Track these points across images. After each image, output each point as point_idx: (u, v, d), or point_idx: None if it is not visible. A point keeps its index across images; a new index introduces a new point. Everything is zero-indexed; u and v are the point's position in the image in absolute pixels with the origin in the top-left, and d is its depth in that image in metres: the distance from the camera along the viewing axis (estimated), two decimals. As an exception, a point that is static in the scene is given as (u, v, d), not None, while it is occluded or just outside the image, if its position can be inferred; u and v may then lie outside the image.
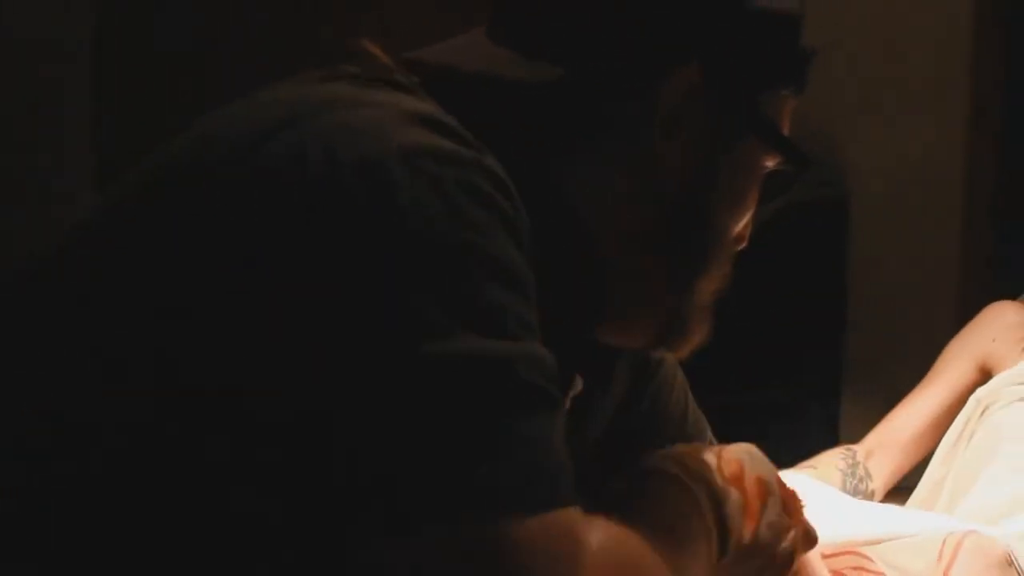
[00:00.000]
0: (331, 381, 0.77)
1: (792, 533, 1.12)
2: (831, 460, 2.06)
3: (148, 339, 0.80)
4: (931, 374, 2.19)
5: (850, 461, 2.07)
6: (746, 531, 1.06)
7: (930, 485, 2.06)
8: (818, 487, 1.76)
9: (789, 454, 1.92)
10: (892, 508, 1.97)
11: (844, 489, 2.02)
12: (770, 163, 1.05)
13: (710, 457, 1.07)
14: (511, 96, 0.97)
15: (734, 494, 1.05)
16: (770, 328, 2.67)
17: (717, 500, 1.04)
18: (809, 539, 1.16)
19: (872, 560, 1.59)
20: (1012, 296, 2.35)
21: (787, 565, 1.13)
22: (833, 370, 2.87)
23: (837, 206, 2.83)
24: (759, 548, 1.08)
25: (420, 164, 0.81)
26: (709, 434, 1.30)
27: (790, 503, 1.13)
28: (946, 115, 2.87)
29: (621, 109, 0.98)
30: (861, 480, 2.05)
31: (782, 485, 1.13)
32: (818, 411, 2.82)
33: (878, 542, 1.60)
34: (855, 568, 1.58)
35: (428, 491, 0.76)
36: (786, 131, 1.06)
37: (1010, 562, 1.57)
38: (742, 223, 1.06)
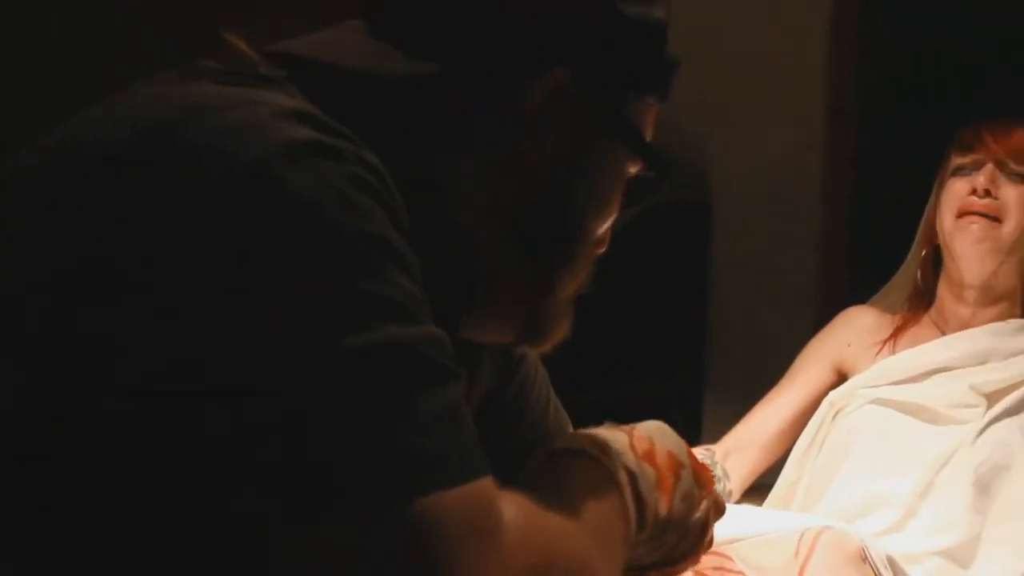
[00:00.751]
0: (250, 379, 0.77)
1: (705, 504, 1.14)
2: None
3: (57, 340, 0.80)
4: (787, 376, 2.23)
5: (708, 461, 2.08)
6: (662, 505, 1.08)
7: (786, 486, 2.11)
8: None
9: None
10: (750, 507, 2.02)
11: None
12: (633, 169, 1.07)
13: (621, 435, 1.09)
14: (382, 91, 0.97)
15: (648, 470, 1.07)
16: (633, 327, 2.71)
17: (633, 476, 1.05)
18: (719, 509, 1.18)
19: (732, 559, 1.61)
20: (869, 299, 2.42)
21: (701, 536, 1.15)
22: (695, 370, 2.91)
23: (700, 208, 2.88)
24: (674, 521, 1.10)
25: (305, 160, 0.81)
26: (571, 429, 1.31)
27: (701, 475, 1.15)
28: (804, 119, 2.93)
29: (491, 108, 0.99)
30: (719, 480, 2.07)
31: (692, 457, 1.15)
32: (680, 410, 2.85)
33: (737, 541, 1.62)
34: (716, 568, 1.60)
35: (352, 474, 0.77)
36: (649, 138, 1.08)
37: (864, 557, 1.61)
38: (605, 226, 1.08)
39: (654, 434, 1.12)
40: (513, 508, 0.85)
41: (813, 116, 2.96)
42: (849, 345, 2.20)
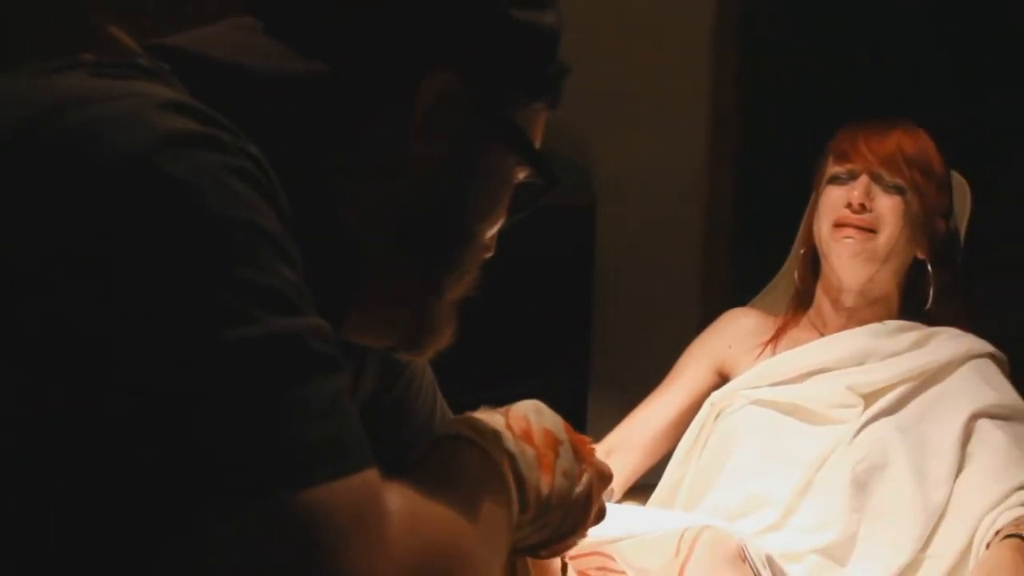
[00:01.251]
0: (135, 371, 0.77)
1: (586, 477, 1.15)
2: None
3: None
4: (669, 377, 2.25)
5: None
6: (543, 484, 1.08)
7: (668, 486, 2.13)
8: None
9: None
10: (633, 507, 2.04)
11: None
12: (521, 174, 1.08)
13: (498, 417, 1.09)
14: (267, 87, 0.96)
15: (528, 449, 1.08)
16: (519, 327, 2.71)
17: (512, 458, 1.06)
18: (604, 478, 1.19)
19: (614, 559, 1.62)
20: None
21: (585, 510, 1.15)
22: (580, 370, 2.93)
23: (584, 209, 2.89)
24: (557, 498, 1.11)
25: (186, 150, 0.81)
26: None
27: (581, 448, 1.16)
28: (688, 120, 2.97)
29: (378, 108, 0.99)
30: None
31: (571, 432, 1.16)
32: (565, 410, 2.86)
33: (619, 541, 1.63)
34: (599, 569, 1.61)
35: (235, 465, 0.77)
36: (538, 144, 1.08)
37: (743, 556, 1.62)
38: (492, 231, 1.08)
39: (530, 413, 1.12)
40: (397, 499, 0.85)
41: (696, 117, 3.00)
42: (730, 347, 2.23)
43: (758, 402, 2.06)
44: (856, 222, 2.09)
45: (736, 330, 2.26)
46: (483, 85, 1.01)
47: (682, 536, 1.61)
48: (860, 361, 2.08)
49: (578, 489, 1.13)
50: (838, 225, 2.10)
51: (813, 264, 2.23)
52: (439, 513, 0.92)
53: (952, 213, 2.23)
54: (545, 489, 1.09)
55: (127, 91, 0.85)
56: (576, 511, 1.14)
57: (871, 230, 2.09)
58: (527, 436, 1.09)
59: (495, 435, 1.06)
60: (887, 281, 2.14)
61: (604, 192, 2.92)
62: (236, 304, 0.79)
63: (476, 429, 1.06)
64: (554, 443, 1.11)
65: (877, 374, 2.04)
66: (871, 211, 2.09)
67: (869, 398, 2.02)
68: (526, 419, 1.11)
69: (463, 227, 1.05)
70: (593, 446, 1.19)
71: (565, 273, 2.87)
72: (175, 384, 0.77)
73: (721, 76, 3.01)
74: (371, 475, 0.82)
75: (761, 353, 2.19)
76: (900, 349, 2.08)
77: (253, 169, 0.83)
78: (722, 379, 2.20)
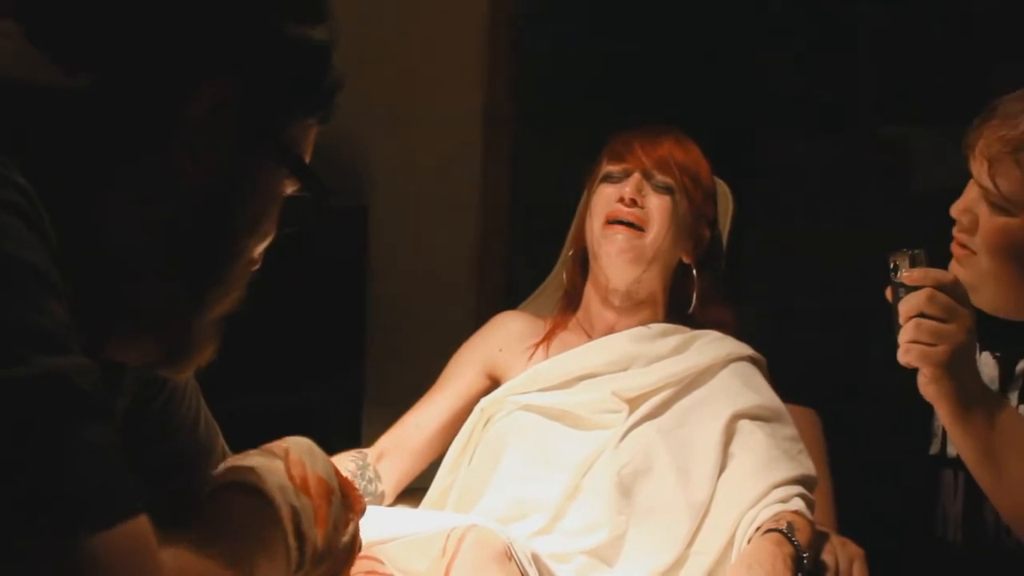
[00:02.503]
0: None
1: (351, 526, 1.15)
2: (341, 462, 2.07)
3: None
4: (439, 381, 2.25)
5: (360, 463, 2.11)
6: (319, 539, 1.09)
7: (439, 492, 2.13)
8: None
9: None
10: (402, 509, 2.04)
11: None
12: (291, 189, 1.08)
13: (278, 463, 1.09)
14: (30, 100, 0.95)
15: (307, 503, 1.08)
16: (293, 332, 2.70)
17: (296, 514, 1.06)
18: (362, 510, 1.21)
19: (382, 562, 1.63)
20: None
21: (348, 556, 1.17)
22: (355, 374, 2.93)
23: (358, 213, 2.89)
24: (329, 551, 1.12)
25: None
26: (220, 441, 1.31)
27: (349, 495, 1.16)
28: (462, 122, 2.99)
29: (148, 122, 0.98)
30: (371, 481, 2.10)
31: (340, 476, 1.16)
32: (341, 415, 2.87)
33: (387, 543, 1.64)
34: (368, 572, 1.61)
35: (10, 507, 0.75)
36: (309, 157, 1.09)
37: (510, 555, 1.65)
38: (261, 246, 1.08)
39: (305, 457, 1.13)
40: (170, 551, 0.85)
41: (470, 119, 3.02)
42: (501, 350, 2.25)
43: (526, 408, 2.08)
44: (627, 216, 2.14)
45: (506, 333, 2.28)
46: (254, 100, 1.01)
47: (448, 536, 1.62)
48: (625, 366, 2.12)
49: (344, 539, 1.15)
50: (609, 221, 2.15)
51: (583, 265, 2.27)
52: (212, 571, 0.92)
53: (716, 221, 2.31)
54: (320, 544, 1.10)
55: None
56: (341, 558, 1.16)
57: (640, 228, 2.14)
58: (304, 485, 1.09)
59: (279, 487, 1.06)
60: (653, 283, 2.19)
61: (377, 195, 2.92)
62: (3, 344, 0.78)
63: (263, 479, 1.06)
64: (328, 493, 1.12)
65: (641, 379, 2.09)
66: (642, 207, 2.15)
67: (633, 403, 2.06)
68: (302, 464, 1.11)
69: (232, 244, 1.04)
70: (360, 493, 1.21)
71: (338, 277, 2.86)
72: None
73: (496, 80, 3.04)
74: (141, 525, 0.82)
75: (532, 356, 2.22)
76: (663, 353, 2.13)
77: (21, 201, 0.82)
78: (493, 382, 2.22)
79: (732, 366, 2.14)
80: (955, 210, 1.86)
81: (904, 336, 1.70)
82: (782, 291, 3.20)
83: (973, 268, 1.84)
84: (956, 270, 1.84)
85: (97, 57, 0.97)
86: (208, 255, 1.03)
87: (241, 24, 1.01)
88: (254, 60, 1.01)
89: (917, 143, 3.99)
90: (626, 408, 2.06)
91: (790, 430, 2.08)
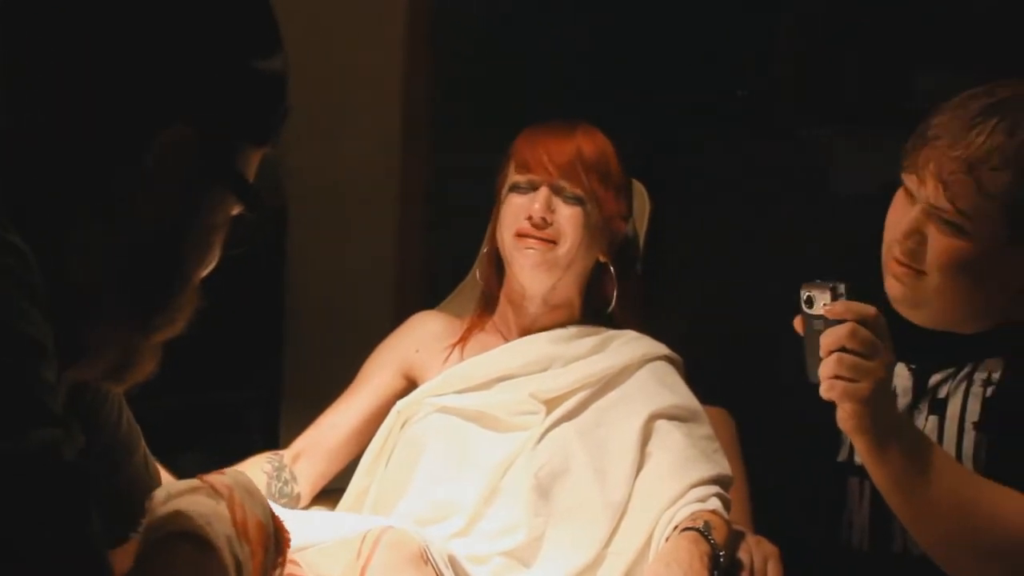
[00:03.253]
0: None
1: (278, 571, 1.16)
2: (258, 463, 2.09)
3: None
4: (356, 382, 2.24)
5: (276, 464, 2.11)
6: None
7: (355, 495, 2.13)
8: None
9: (230, 460, 1.95)
10: (319, 512, 2.04)
11: (270, 492, 2.06)
12: (235, 211, 1.10)
13: (224, 508, 1.09)
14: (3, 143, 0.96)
15: (247, 551, 1.10)
16: (211, 332, 2.68)
17: (239, 566, 1.07)
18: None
19: (300, 565, 1.60)
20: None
21: None
22: (273, 375, 2.92)
23: (277, 215, 2.88)
24: None
25: None
26: (142, 443, 1.32)
27: (281, 538, 1.17)
28: (381, 124, 2.99)
29: (111, 162, 1.00)
30: (286, 483, 2.10)
31: (275, 518, 1.17)
32: (259, 415, 2.86)
33: (305, 548, 1.62)
34: None
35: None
36: (252, 178, 1.10)
37: (426, 558, 1.65)
38: (207, 270, 1.11)
39: (246, 499, 1.14)
40: None
41: (388, 118, 3.02)
42: (417, 351, 2.24)
43: (443, 410, 2.09)
44: (538, 235, 2.13)
45: (423, 334, 2.28)
46: (215, 136, 1.03)
47: (364, 539, 1.62)
48: (543, 367, 2.13)
49: None
50: (520, 235, 2.14)
51: (498, 266, 2.26)
52: None
53: (631, 216, 2.31)
54: None
55: None
56: None
57: (552, 241, 2.13)
58: (245, 530, 1.11)
59: (224, 535, 1.07)
60: (569, 287, 2.19)
61: (295, 195, 2.91)
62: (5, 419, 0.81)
63: (210, 530, 1.08)
64: (265, 540, 1.15)
65: (558, 380, 2.10)
66: (552, 224, 2.13)
67: (550, 404, 2.07)
68: (244, 507, 1.12)
69: (181, 270, 1.07)
70: (289, 536, 1.21)
71: (256, 277, 2.85)
72: None
73: (414, 78, 3.04)
74: None
75: (448, 356, 2.22)
76: (581, 354, 2.14)
77: (14, 263, 0.84)
78: (410, 383, 2.22)
79: (649, 366, 2.15)
80: (900, 234, 1.84)
81: (826, 371, 1.69)
82: (699, 291, 3.23)
83: (917, 286, 1.84)
84: (895, 288, 1.85)
85: (57, 97, 0.98)
86: (162, 284, 1.06)
87: (206, 65, 1.02)
88: (218, 99, 1.03)
89: (837, 145, 4.04)
90: (543, 409, 2.07)
91: (706, 430, 2.10)
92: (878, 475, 1.75)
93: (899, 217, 1.86)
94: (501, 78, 3.43)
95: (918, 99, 3.84)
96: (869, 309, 1.70)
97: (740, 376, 2.20)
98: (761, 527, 2.10)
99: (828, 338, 1.68)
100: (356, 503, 2.12)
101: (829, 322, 1.69)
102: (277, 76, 1.08)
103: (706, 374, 2.25)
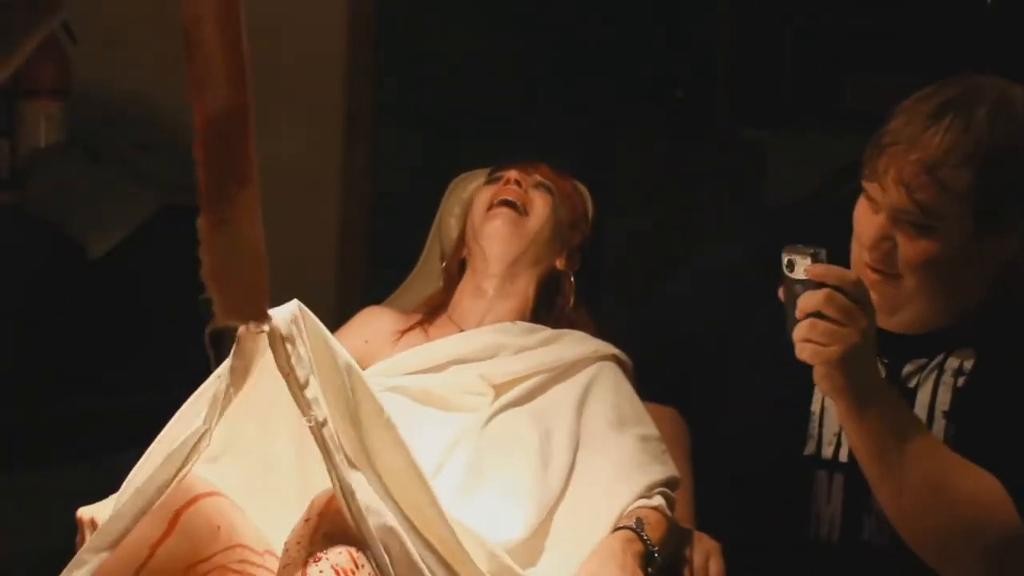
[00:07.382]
0: None
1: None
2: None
3: None
4: None
5: None
6: None
7: None
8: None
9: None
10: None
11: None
12: None
13: None
14: None
15: None
16: (144, 332, 2.70)
17: None
18: None
19: (250, 548, 1.67)
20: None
21: None
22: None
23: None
24: None
25: None
26: None
27: None
28: (322, 125, 3.04)
29: None
30: None
31: None
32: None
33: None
34: (241, 562, 1.65)
35: None
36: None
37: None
38: None
39: None
40: None
41: (329, 118, 3.07)
42: (367, 342, 2.29)
43: (393, 389, 2.10)
44: (512, 195, 2.28)
45: (374, 327, 2.33)
46: None
47: (312, 504, 1.62)
48: (493, 354, 2.19)
49: None
50: (491, 207, 2.29)
51: (457, 274, 2.38)
52: None
53: (588, 235, 2.45)
54: None
55: None
56: None
57: (523, 213, 2.29)
58: None
59: None
60: (528, 278, 2.30)
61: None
62: None
63: None
64: None
65: (510, 365, 2.15)
66: (525, 192, 2.30)
67: (500, 388, 2.12)
68: None
69: None
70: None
71: (190, 275, 2.87)
72: None
73: (355, 78, 3.09)
74: None
75: (398, 342, 2.28)
76: (531, 344, 2.21)
77: None
78: (359, 377, 2.26)
79: (598, 364, 2.21)
80: (869, 242, 1.89)
81: (798, 334, 1.75)
82: (644, 291, 3.28)
83: (893, 292, 1.90)
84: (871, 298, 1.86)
85: None
86: None
87: None
88: None
89: (774, 147, 4.13)
90: (492, 392, 2.11)
91: (651, 430, 2.14)
92: (855, 438, 1.81)
93: (865, 226, 1.91)
94: (443, 77, 3.48)
95: (852, 99, 3.94)
96: (849, 273, 1.77)
97: (688, 375, 2.25)
98: (717, 525, 2.13)
99: (805, 300, 1.75)
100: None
101: (808, 285, 1.75)
102: None
103: (652, 374, 2.29)
